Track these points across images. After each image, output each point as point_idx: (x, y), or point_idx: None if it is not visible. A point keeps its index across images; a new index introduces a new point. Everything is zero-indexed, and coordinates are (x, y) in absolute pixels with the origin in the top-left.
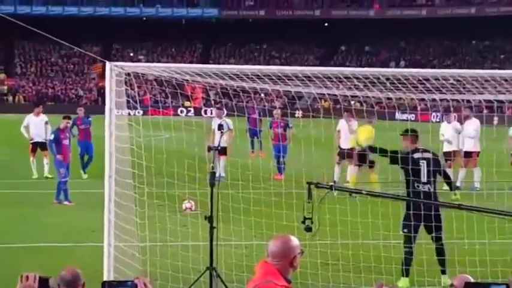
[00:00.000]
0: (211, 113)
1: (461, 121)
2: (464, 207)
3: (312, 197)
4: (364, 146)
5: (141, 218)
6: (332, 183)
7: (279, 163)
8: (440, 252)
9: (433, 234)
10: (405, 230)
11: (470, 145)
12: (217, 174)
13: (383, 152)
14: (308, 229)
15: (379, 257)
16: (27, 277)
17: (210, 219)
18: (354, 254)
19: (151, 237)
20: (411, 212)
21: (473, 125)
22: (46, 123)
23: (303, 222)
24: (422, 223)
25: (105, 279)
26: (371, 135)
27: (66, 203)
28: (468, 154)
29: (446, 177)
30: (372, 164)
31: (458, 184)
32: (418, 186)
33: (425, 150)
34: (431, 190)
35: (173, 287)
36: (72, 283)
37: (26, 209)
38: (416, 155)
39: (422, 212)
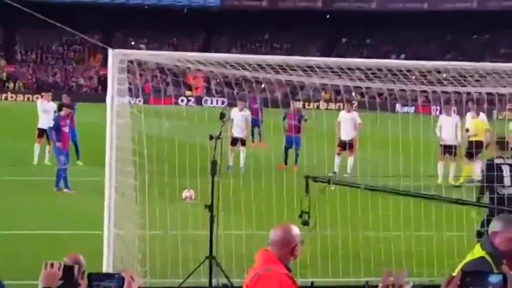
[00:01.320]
0: (212, 103)
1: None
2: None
3: (309, 191)
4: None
5: (141, 206)
6: (331, 175)
7: (286, 154)
8: None
9: None
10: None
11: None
12: (230, 164)
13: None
14: (305, 223)
15: (379, 248)
16: (51, 264)
17: (210, 208)
18: (354, 245)
19: (151, 226)
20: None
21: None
22: (55, 111)
23: (300, 216)
24: None
25: (104, 266)
26: (480, 129)
27: (66, 190)
28: None
29: None
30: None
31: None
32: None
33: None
34: None
35: (173, 276)
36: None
37: (25, 196)
38: (498, 161)
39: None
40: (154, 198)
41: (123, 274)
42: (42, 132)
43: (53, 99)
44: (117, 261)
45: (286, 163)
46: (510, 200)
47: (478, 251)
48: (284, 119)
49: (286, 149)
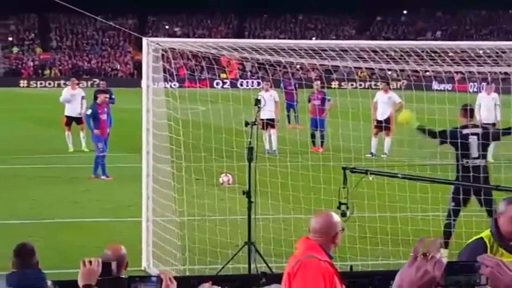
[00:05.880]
0: (247, 85)
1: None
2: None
3: (347, 182)
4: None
5: (178, 193)
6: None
7: (313, 137)
8: None
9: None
10: (453, 204)
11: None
12: (267, 147)
13: (432, 134)
14: (343, 214)
15: (418, 230)
16: (90, 262)
17: (248, 194)
18: (392, 228)
19: (189, 212)
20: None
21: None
22: (82, 98)
23: (338, 208)
24: (471, 197)
25: (143, 254)
26: None
27: (103, 177)
28: None
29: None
30: None
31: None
32: (467, 162)
33: (474, 126)
34: (482, 164)
35: (212, 262)
36: (118, 263)
37: (63, 184)
38: (465, 131)
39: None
40: (191, 184)
41: (161, 275)
42: (69, 120)
43: (91, 85)
44: (156, 248)
45: (314, 144)
46: (476, 170)
47: (484, 231)
48: (309, 101)
49: (312, 132)
